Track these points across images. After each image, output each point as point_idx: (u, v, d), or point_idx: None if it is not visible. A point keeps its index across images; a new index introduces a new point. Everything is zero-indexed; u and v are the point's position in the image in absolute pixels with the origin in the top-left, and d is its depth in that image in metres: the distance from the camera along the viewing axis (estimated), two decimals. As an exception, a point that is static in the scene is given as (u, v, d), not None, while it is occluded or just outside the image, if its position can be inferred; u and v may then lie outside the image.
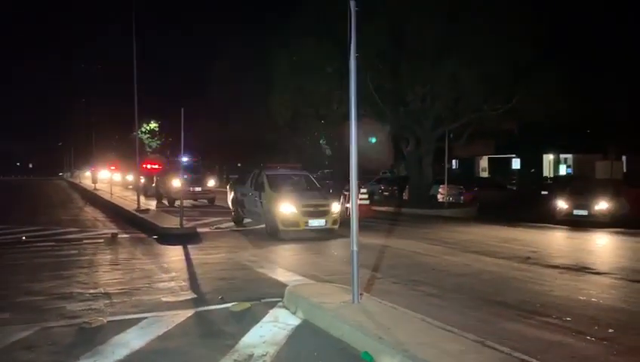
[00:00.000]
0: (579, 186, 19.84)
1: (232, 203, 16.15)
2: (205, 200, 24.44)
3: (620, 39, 25.81)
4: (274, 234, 12.91)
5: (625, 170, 31.30)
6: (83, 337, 5.46)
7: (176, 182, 21.96)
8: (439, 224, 17.31)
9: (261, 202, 13.57)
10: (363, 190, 19.11)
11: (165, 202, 23.91)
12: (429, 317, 5.71)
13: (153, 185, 27.34)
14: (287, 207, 12.71)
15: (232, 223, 16.16)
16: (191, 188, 23.19)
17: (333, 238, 13.06)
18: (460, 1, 20.21)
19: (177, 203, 20.30)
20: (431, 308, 6.42)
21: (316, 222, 12.74)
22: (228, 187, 17.07)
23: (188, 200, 23.04)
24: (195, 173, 24.28)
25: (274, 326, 5.77)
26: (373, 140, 27.91)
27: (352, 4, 5.76)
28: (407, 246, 11.85)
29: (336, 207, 13.29)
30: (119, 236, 13.36)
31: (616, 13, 25.63)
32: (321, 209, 13.00)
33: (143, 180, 30.28)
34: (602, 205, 17.31)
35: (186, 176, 20.75)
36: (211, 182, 25.09)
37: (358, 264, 6.04)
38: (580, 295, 7.40)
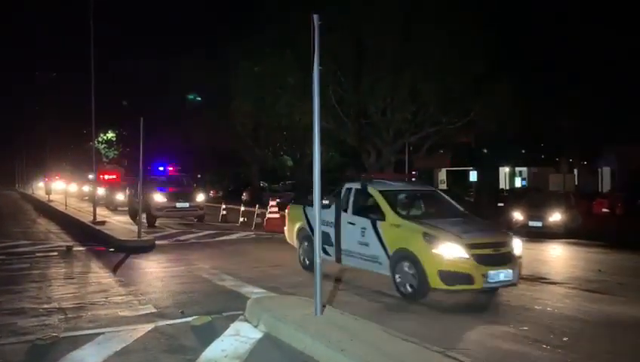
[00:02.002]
0: (534, 198, 20.44)
1: (300, 237, 10.50)
2: (194, 219, 20.07)
3: (572, 54, 26.87)
4: (419, 295, 7.65)
5: (577, 183, 32.50)
6: (36, 354, 5.26)
7: (158, 197, 18.80)
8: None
9: (380, 238, 8.32)
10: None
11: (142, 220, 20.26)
12: (391, 328, 5.74)
13: (120, 198, 26.06)
14: (449, 249, 7.44)
15: (191, 236, 15.74)
16: (176, 205, 19.06)
17: (296, 250, 12.99)
18: (415, 17, 20.64)
19: (158, 222, 18.78)
20: (393, 320, 6.46)
21: (501, 274, 7.49)
22: (288, 211, 11.40)
23: (171, 218, 19.89)
24: (180, 186, 20.55)
25: (235, 340, 5.69)
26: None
27: (316, 17, 5.82)
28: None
29: (518, 246, 8.29)
30: (74, 249, 12.97)
31: (568, 28, 26.71)
32: (503, 250, 7.83)
33: (104, 192, 29.52)
34: (556, 217, 17.86)
35: (167, 190, 19.18)
36: (201, 197, 20.24)
37: (321, 276, 6.04)
38: (535, 304, 7.59)
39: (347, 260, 9.12)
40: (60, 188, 39.75)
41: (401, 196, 9.48)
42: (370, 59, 21.36)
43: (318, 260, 6.03)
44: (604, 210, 24.60)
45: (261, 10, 25.00)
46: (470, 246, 7.47)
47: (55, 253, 12.27)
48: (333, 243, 9.37)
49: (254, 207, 20.08)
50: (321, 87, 6.01)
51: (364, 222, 8.66)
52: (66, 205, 26.87)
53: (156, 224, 18.70)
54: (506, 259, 7.75)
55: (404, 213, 8.77)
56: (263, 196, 31.98)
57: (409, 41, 20.44)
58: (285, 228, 11.29)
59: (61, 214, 23.97)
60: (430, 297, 7.92)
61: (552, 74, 26.41)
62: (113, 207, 26.59)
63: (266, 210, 18.00)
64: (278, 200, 19.29)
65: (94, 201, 20.29)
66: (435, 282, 7.37)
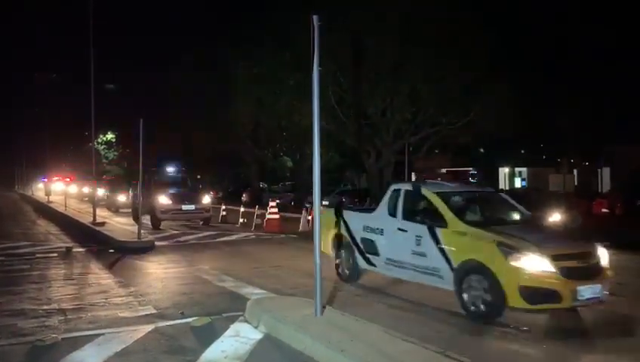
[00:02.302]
0: (533, 198, 20.45)
1: (338, 245, 9.39)
2: (200, 221, 19.43)
3: (571, 54, 26.91)
4: (493, 314, 6.58)
5: (576, 183, 32.52)
6: (36, 356, 5.26)
7: (163, 199, 18.40)
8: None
9: (441, 247, 7.23)
10: (325, 202, 19.14)
11: (146, 221, 18.39)
12: (391, 329, 5.74)
13: (122, 199, 25.69)
14: (531, 261, 6.42)
15: (191, 236, 15.74)
16: (182, 207, 18.58)
17: (296, 251, 13.01)
18: (415, 17, 20.65)
19: (164, 224, 18.25)
20: (393, 320, 6.46)
21: (590, 290, 6.43)
22: (321, 217, 9.05)
23: (177, 221, 19.23)
24: (186, 188, 20.22)
25: (236, 341, 5.69)
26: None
27: (315, 18, 5.81)
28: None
29: (604, 257, 7.00)
30: (74, 250, 12.97)
31: (568, 28, 26.73)
32: (591, 262, 6.76)
33: (106, 193, 29.37)
34: (555, 217, 17.86)
35: (173, 191, 18.83)
36: (207, 199, 19.59)
37: (321, 276, 6.04)
38: (536, 305, 7.58)
39: (397, 272, 8.09)
40: (60, 190, 39.73)
41: (459, 198, 8.19)
42: (369, 59, 21.37)
43: (317, 260, 6.03)
44: (604, 210, 24.61)
45: (261, 10, 25.04)
46: (556, 258, 6.38)
47: (55, 254, 12.27)
48: (379, 252, 8.30)
49: (254, 207, 20.07)
50: (320, 88, 6.01)
51: (419, 228, 7.54)
52: (65, 206, 26.86)
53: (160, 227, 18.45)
54: (595, 272, 6.65)
55: (468, 218, 7.60)
56: (262, 197, 31.99)
57: (408, 41, 20.45)
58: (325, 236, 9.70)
59: (61, 215, 23.97)
60: (428, 298, 7.91)
61: (552, 74, 26.43)
62: (115, 209, 26.46)
63: (266, 210, 18.00)
64: (277, 200, 19.30)
65: (94, 202, 20.29)
66: (515, 300, 6.31)
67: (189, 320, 6.46)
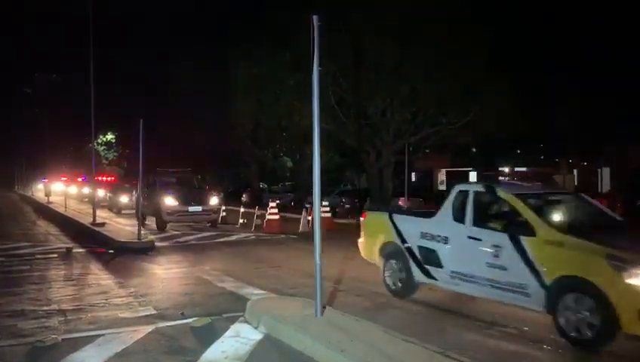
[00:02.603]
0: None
1: (386, 254, 8.27)
2: (207, 223, 18.75)
3: (571, 54, 26.91)
4: (602, 341, 5.62)
5: (576, 184, 32.50)
6: (36, 356, 5.26)
7: (169, 200, 17.78)
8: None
9: (528, 259, 6.16)
10: (324, 203, 19.14)
11: (150, 223, 18.50)
12: (391, 329, 5.74)
13: (124, 200, 25.45)
14: None
15: (191, 237, 15.77)
16: (189, 208, 17.99)
17: (296, 251, 13.01)
18: (415, 17, 20.66)
19: (170, 226, 17.84)
20: (393, 320, 6.46)
21: None
22: (365, 220, 9.06)
23: (183, 223, 18.68)
24: (192, 188, 19.67)
25: (236, 341, 5.69)
26: None
27: (315, 18, 5.81)
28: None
29: None
30: (74, 250, 12.96)
31: (568, 28, 26.74)
32: None
33: (108, 194, 29.26)
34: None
35: (180, 192, 18.30)
36: (214, 200, 18.93)
37: (322, 277, 6.04)
38: (536, 305, 7.58)
39: (466, 287, 6.95)
40: (60, 190, 39.71)
41: (539, 201, 7.04)
42: (369, 60, 21.37)
43: (317, 261, 6.02)
44: (604, 210, 24.56)
45: (261, 10, 25.05)
46: None
47: (55, 255, 12.26)
48: (443, 263, 7.20)
49: (254, 208, 20.07)
50: (320, 88, 6.01)
51: (498, 237, 6.48)
52: (65, 207, 26.85)
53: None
54: None
55: (559, 224, 6.47)
56: (262, 197, 31.98)
57: (408, 41, 20.46)
58: (361, 240, 9.05)
59: (61, 216, 23.95)
60: (429, 297, 7.91)
61: (552, 74, 26.43)
62: (117, 210, 26.28)
63: (266, 211, 18.00)
64: (277, 201, 19.28)
65: (94, 203, 20.28)
66: (632, 325, 5.30)
67: (189, 320, 6.46)
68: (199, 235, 16.45)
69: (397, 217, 8.26)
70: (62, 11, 68.04)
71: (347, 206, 27.83)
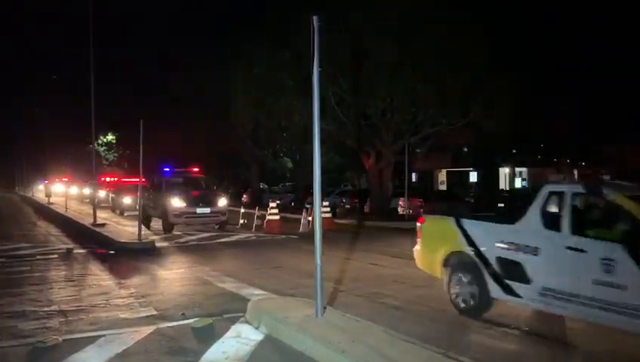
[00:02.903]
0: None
1: (452, 265, 7.25)
2: (215, 225, 18.24)
3: (571, 54, 26.94)
4: None
5: (576, 183, 32.51)
6: (37, 357, 5.26)
7: (176, 202, 17.27)
8: (400, 236, 17.49)
9: None
10: (325, 203, 19.15)
11: (157, 226, 18.25)
12: (391, 329, 5.75)
13: (127, 201, 24.95)
14: None
15: (191, 237, 15.79)
16: (197, 210, 17.46)
17: (296, 251, 13.02)
18: (414, 18, 20.66)
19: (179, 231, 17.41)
20: (393, 320, 6.46)
21: None
22: (423, 226, 7.99)
23: (190, 225, 18.14)
24: (200, 190, 18.93)
25: (237, 342, 5.69)
26: None
27: (315, 18, 5.82)
28: (369, 259, 11.91)
29: None
30: (74, 251, 12.96)
31: (568, 28, 26.78)
32: None
33: (111, 195, 29.02)
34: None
35: (187, 193, 17.76)
36: (223, 202, 18.25)
37: (322, 277, 6.05)
38: (536, 305, 7.58)
39: (561, 307, 5.88)
40: (60, 191, 39.72)
41: None
42: (369, 60, 21.38)
43: (318, 261, 6.03)
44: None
45: (261, 10, 25.06)
46: None
47: (55, 256, 12.26)
48: (530, 278, 6.14)
49: (254, 208, 20.08)
50: (320, 89, 6.01)
51: (609, 248, 5.40)
52: (66, 208, 26.86)
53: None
54: None
55: None
56: (262, 197, 31.99)
57: (408, 41, 20.47)
58: (417, 248, 8.04)
59: (61, 217, 23.96)
60: (429, 297, 7.91)
61: (552, 74, 26.46)
62: (120, 211, 25.99)
63: (266, 211, 18.00)
64: (278, 201, 19.29)
65: (94, 204, 20.29)
66: None
67: (190, 321, 6.46)
68: (200, 236, 16.46)
69: (467, 223, 7.15)
70: (62, 11, 68.11)
71: (347, 206, 27.86)
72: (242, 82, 25.60)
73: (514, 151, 36.10)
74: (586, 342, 5.89)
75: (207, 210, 17.57)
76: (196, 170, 21.22)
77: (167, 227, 17.35)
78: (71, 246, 13.86)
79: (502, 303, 6.71)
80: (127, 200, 25.36)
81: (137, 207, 19.20)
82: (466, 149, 36.56)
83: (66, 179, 36.71)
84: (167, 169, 19.52)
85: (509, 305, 6.70)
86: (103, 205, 28.06)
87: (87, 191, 37.75)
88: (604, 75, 27.26)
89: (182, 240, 15.56)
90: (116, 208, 26.71)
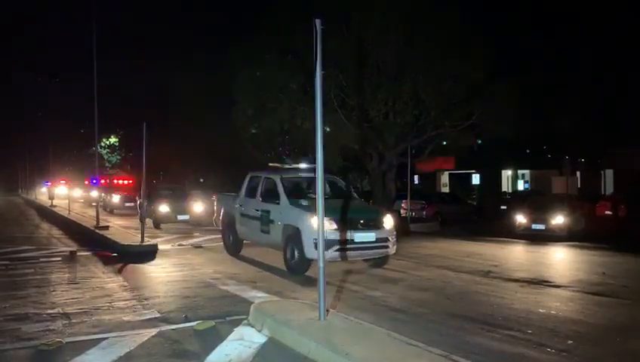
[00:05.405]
0: (537, 201, 20.42)
1: None
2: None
3: (573, 56, 26.87)
4: None
5: (579, 186, 32.44)
6: (40, 359, 5.27)
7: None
8: (403, 239, 17.47)
9: None
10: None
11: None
12: (394, 332, 5.74)
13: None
14: None
15: (194, 240, 15.78)
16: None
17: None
18: (415, 21, 20.65)
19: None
20: (396, 323, 6.46)
21: None
22: None
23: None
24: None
25: (239, 345, 5.69)
26: None
27: (318, 22, 5.83)
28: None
29: None
30: (78, 254, 12.98)
31: (569, 29, 26.72)
32: None
33: (135, 202, 27.06)
34: (559, 220, 17.83)
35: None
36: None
37: (325, 280, 6.04)
38: (539, 307, 7.58)
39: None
40: (63, 194, 39.74)
41: None
42: (371, 62, 21.39)
43: (321, 264, 6.03)
44: (607, 212, 24.55)
45: (262, 12, 25.06)
46: None
47: (58, 258, 12.28)
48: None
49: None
50: (323, 91, 6.01)
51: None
52: (69, 210, 26.90)
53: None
54: None
55: None
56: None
57: (410, 44, 20.46)
58: None
59: (64, 219, 24.00)
60: (433, 300, 7.91)
61: (554, 76, 26.40)
62: (156, 224, 21.05)
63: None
64: None
65: (97, 206, 20.31)
66: None
67: (193, 323, 6.47)
68: (202, 238, 16.48)
69: None
70: (62, 11, 68.28)
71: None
72: (244, 85, 25.61)
73: (516, 153, 36.00)
74: (588, 345, 5.88)
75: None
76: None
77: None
78: (74, 248, 13.88)
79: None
80: (164, 208, 20.59)
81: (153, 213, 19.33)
82: (469, 151, 36.54)
83: (64, 181, 36.73)
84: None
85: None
86: (117, 211, 27.47)
87: (94, 193, 37.55)
88: (608, 77, 27.18)
89: (184, 242, 15.58)
90: (153, 219, 20.60)
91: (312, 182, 11.63)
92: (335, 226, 9.65)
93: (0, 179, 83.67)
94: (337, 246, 9.62)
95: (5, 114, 70.30)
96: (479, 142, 28.65)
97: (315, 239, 8.18)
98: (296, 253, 9.95)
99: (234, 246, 12.73)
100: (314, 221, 9.04)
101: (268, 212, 10.99)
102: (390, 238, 10.43)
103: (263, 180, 11.73)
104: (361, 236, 9.98)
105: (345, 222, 9.80)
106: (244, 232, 12.29)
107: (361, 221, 10.22)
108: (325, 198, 9.98)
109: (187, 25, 45.04)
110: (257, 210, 11.41)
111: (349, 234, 9.75)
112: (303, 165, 12.40)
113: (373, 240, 10.17)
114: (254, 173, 12.69)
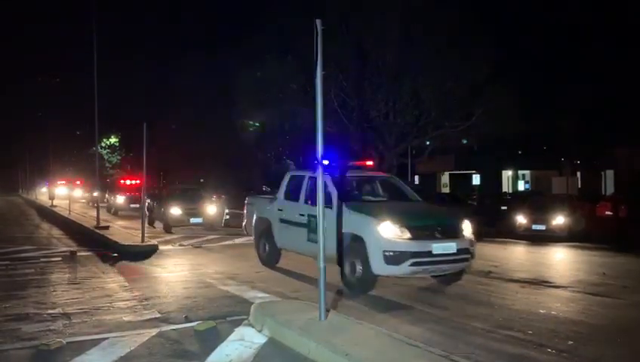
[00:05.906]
0: (537, 202, 20.41)
1: None
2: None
3: (573, 56, 26.87)
4: None
5: (580, 186, 32.41)
6: (41, 359, 5.27)
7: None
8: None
9: None
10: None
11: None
12: (395, 332, 5.74)
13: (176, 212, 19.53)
14: None
15: (194, 240, 15.77)
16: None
17: (299, 254, 12.98)
18: (415, 22, 20.64)
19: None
20: (397, 324, 6.46)
21: None
22: None
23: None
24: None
25: (240, 345, 5.69)
26: None
27: (318, 22, 5.83)
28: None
29: None
30: (78, 254, 12.98)
31: (569, 29, 26.72)
32: None
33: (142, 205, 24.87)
34: (559, 220, 17.83)
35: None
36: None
37: (325, 280, 6.05)
38: (540, 308, 7.57)
39: None
40: (63, 194, 39.71)
41: None
42: (371, 63, 21.41)
43: (321, 264, 6.04)
44: (608, 212, 24.51)
45: (262, 13, 25.11)
46: None
47: (59, 258, 12.28)
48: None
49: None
50: (323, 92, 6.01)
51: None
52: (69, 210, 26.90)
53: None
54: None
55: None
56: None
57: (410, 44, 20.47)
58: None
59: (64, 219, 24.00)
60: (433, 300, 7.90)
61: (554, 76, 26.41)
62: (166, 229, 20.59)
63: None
64: None
65: (98, 206, 20.31)
66: None
67: (194, 324, 6.47)
68: (202, 238, 16.47)
69: None
70: (62, 11, 68.29)
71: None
72: (245, 86, 25.63)
73: (517, 153, 36.02)
74: (589, 346, 5.88)
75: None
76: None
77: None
78: (74, 248, 13.89)
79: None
80: (175, 210, 19.00)
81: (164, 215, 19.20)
82: (469, 151, 36.55)
83: (63, 182, 36.70)
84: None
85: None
86: (122, 213, 26.89)
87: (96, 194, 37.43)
88: (608, 77, 27.15)
89: (185, 242, 15.58)
90: (164, 222, 19.51)
91: (362, 182, 10.59)
92: (409, 235, 8.08)
93: (0, 179, 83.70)
94: (413, 260, 7.96)
95: (5, 114, 70.23)
96: (479, 142, 28.67)
97: (386, 251, 7.82)
98: (357, 267, 8.35)
99: (270, 257, 11.05)
100: (383, 229, 8.03)
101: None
102: (471, 249, 8.72)
103: (308, 180, 9.95)
104: (440, 247, 8.22)
105: (418, 230, 8.26)
106: (286, 241, 10.59)
107: (438, 228, 8.53)
108: (382, 201, 10.09)
109: (187, 25, 45.08)
110: (303, 215, 9.73)
111: (425, 245, 8.11)
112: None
113: (455, 251, 8.36)
114: (295, 171, 11.12)
